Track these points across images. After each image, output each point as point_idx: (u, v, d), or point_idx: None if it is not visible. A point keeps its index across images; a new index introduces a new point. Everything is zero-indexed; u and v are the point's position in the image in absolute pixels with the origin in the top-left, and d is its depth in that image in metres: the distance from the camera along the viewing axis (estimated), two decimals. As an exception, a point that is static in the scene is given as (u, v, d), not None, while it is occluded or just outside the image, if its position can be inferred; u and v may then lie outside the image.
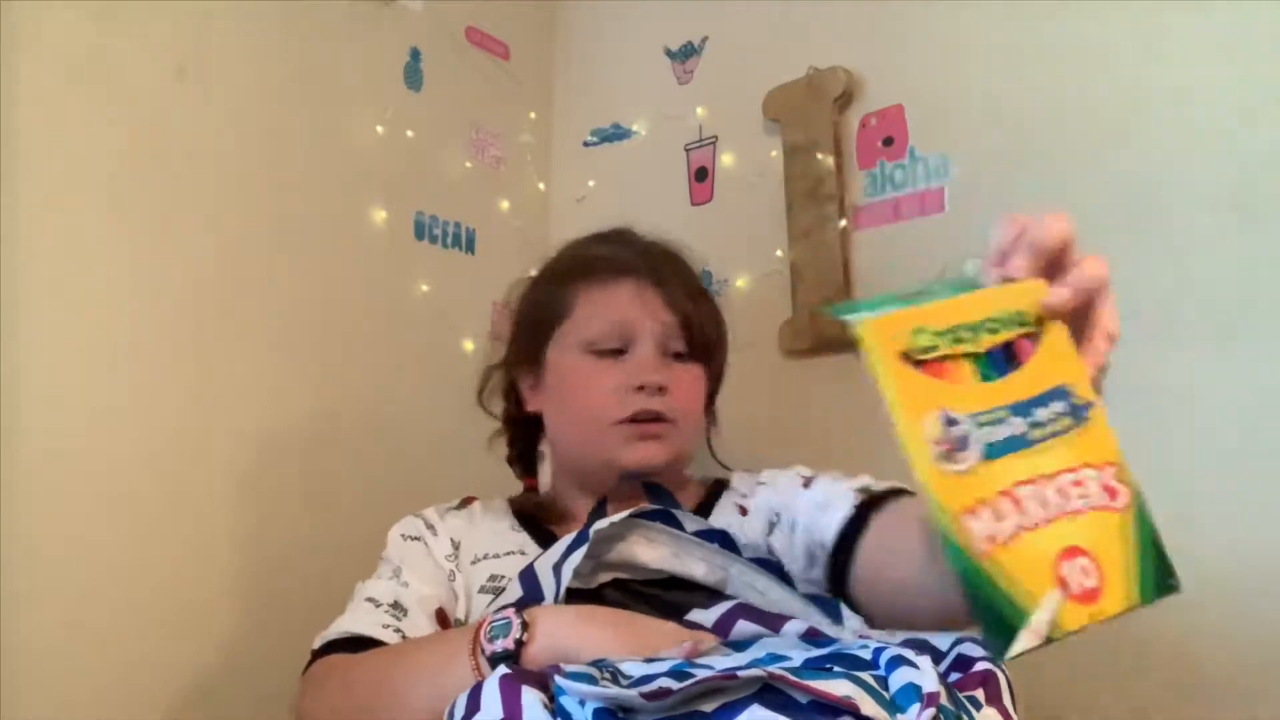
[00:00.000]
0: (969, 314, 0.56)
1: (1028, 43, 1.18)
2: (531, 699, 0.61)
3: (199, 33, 1.14)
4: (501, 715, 0.61)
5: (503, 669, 0.64)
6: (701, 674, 0.60)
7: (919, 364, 0.54)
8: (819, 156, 1.30)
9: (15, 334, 0.96)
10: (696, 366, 1.00)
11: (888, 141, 1.27)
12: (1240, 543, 1.00)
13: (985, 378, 0.55)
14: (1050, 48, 1.17)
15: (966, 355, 0.55)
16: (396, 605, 0.88)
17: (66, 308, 1.01)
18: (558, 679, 0.60)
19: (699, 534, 0.88)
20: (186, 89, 1.12)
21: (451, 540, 0.96)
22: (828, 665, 0.62)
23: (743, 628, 0.77)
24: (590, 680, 0.60)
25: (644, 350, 0.96)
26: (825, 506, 0.87)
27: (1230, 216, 1.04)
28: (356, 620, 0.87)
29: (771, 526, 0.92)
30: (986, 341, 0.56)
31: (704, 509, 0.98)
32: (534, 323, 1.03)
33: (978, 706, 0.62)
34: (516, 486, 1.08)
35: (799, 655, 0.64)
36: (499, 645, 0.73)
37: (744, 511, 0.97)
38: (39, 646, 0.95)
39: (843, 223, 1.28)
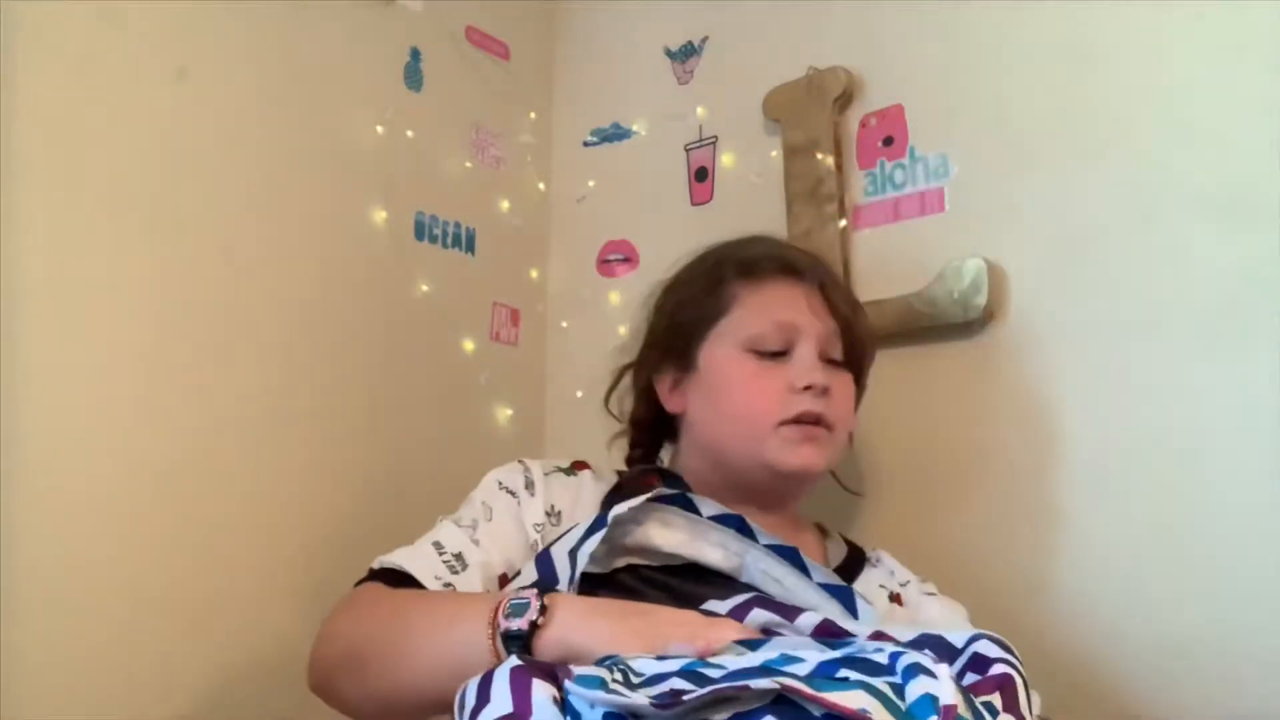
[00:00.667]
0: None
1: (1028, 43, 1.18)
2: (542, 696, 0.60)
3: (199, 33, 1.14)
4: (511, 709, 0.60)
5: (514, 660, 0.64)
6: (713, 674, 0.60)
7: None
8: (819, 156, 1.30)
9: (14, 334, 0.96)
10: (850, 376, 1.00)
11: (888, 141, 1.27)
12: (1240, 542, 1.00)
13: None
14: (1050, 47, 1.17)
15: None
16: (459, 558, 0.88)
17: (66, 308, 1.01)
18: (567, 684, 0.59)
19: (715, 519, 0.88)
20: (186, 89, 1.12)
21: (551, 507, 0.93)
22: (842, 672, 0.61)
23: (757, 616, 0.76)
24: (600, 684, 0.59)
25: (807, 352, 0.96)
26: None
27: (1229, 216, 1.04)
28: (413, 560, 0.88)
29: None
30: None
31: (846, 572, 0.97)
32: (685, 321, 1.01)
33: (994, 714, 0.61)
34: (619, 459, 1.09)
35: (813, 657, 0.64)
36: (514, 624, 0.73)
37: (899, 600, 0.97)
38: (40, 651, 0.95)
39: (843, 223, 1.28)
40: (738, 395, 0.96)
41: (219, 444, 1.11)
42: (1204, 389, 1.03)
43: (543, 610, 0.73)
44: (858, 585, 0.95)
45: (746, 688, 0.57)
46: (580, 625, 0.73)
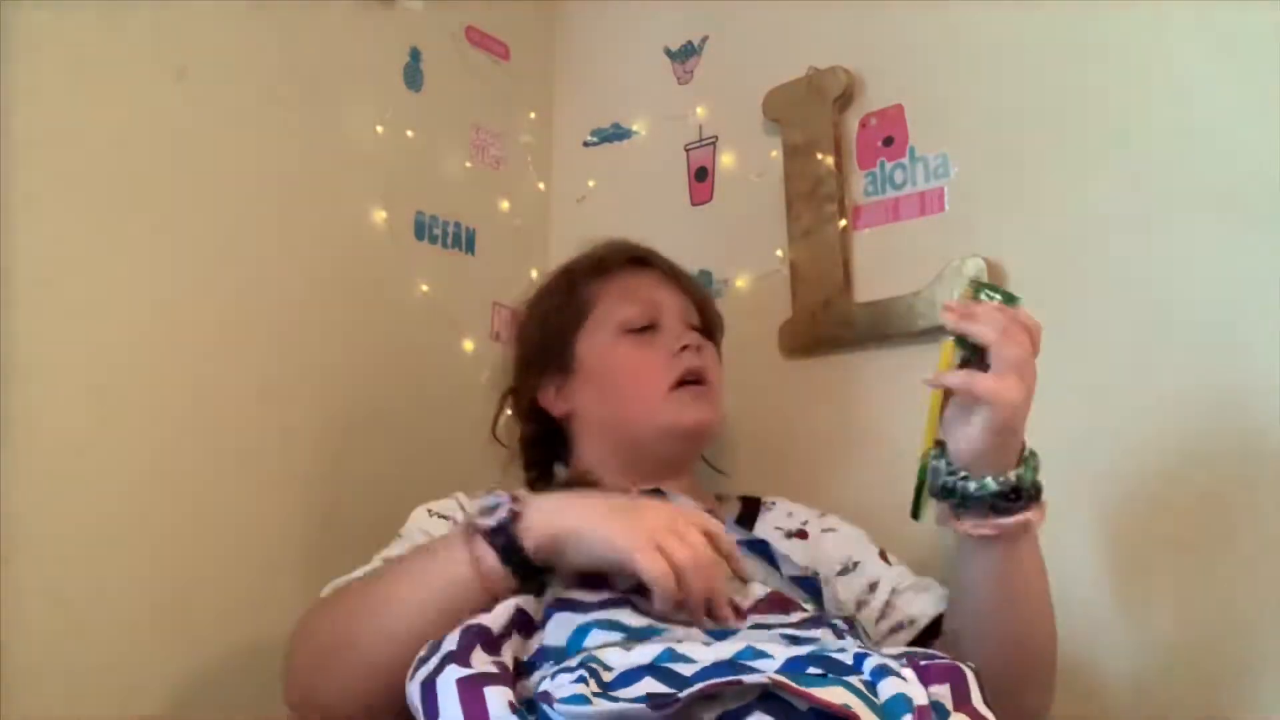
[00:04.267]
0: None
1: (1028, 43, 1.18)
2: (499, 704, 0.60)
3: (199, 33, 1.14)
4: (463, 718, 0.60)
5: (456, 670, 0.63)
6: (685, 671, 0.60)
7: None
8: (819, 156, 1.30)
9: (14, 334, 0.96)
10: (711, 343, 1.08)
11: (888, 141, 1.27)
12: (1242, 544, 1.00)
13: None
14: (1050, 47, 1.17)
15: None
16: None
17: (66, 308, 1.01)
18: (556, 706, 0.59)
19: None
20: (186, 89, 1.12)
21: None
22: (812, 670, 0.62)
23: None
24: (583, 700, 0.59)
25: (673, 320, 1.05)
26: (922, 590, 0.95)
27: (1230, 216, 1.04)
28: (370, 570, 0.88)
29: (845, 570, 0.98)
30: None
31: (744, 523, 1.03)
32: (554, 331, 1.07)
33: (945, 715, 0.61)
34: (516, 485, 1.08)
35: (780, 652, 0.64)
36: (494, 519, 0.74)
37: (805, 535, 1.01)
38: (39, 644, 0.95)
39: (843, 223, 1.28)
40: (625, 373, 1.02)
41: (219, 443, 1.11)
42: (1204, 389, 1.03)
43: (515, 500, 0.75)
44: (758, 531, 1.01)
45: (739, 682, 0.57)
46: (563, 507, 0.75)
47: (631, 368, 1.02)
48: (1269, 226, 1.02)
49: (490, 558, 0.74)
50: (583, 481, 1.02)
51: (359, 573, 0.88)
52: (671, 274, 1.10)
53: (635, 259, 1.10)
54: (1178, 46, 1.09)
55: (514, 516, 0.74)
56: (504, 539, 0.74)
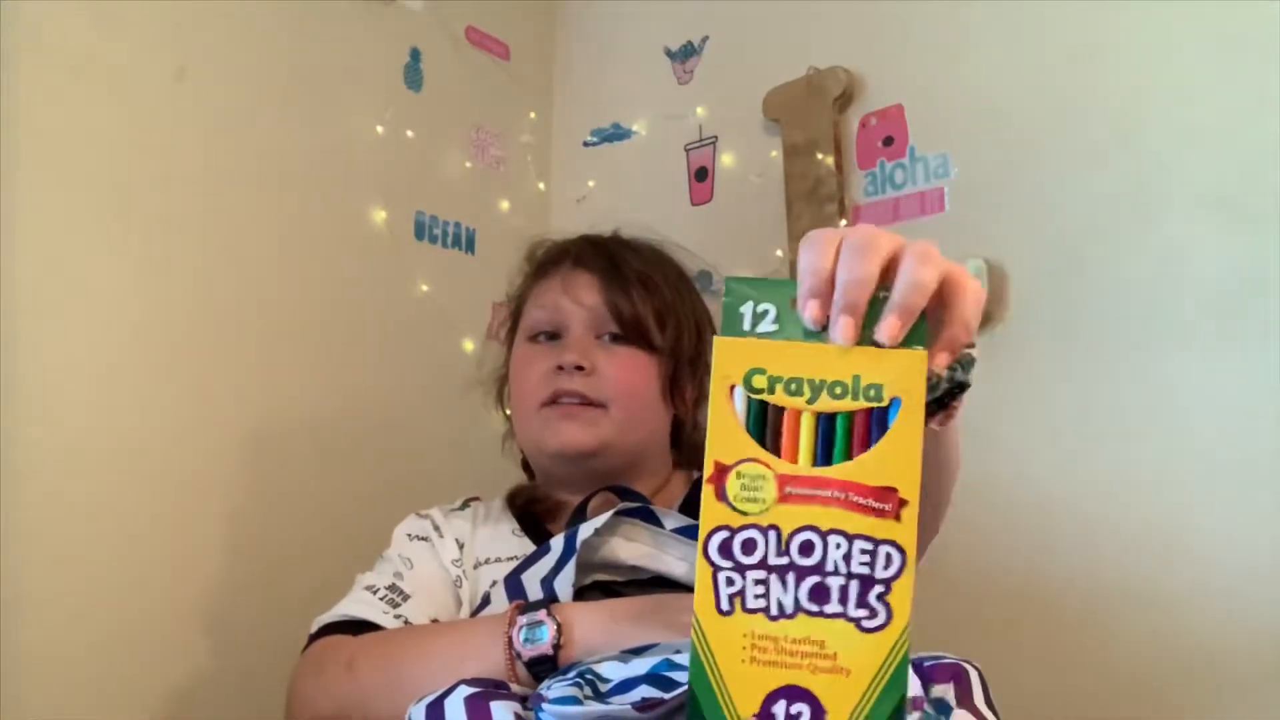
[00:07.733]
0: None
1: (1028, 43, 1.18)
2: (504, 715, 0.60)
3: (199, 33, 1.14)
4: None
5: (465, 688, 0.63)
6: (681, 678, 0.60)
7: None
8: (819, 156, 1.30)
9: (15, 334, 0.96)
10: (636, 350, 0.97)
11: (888, 141, 1.27)
12: (1235, 543, 1.00)
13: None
14: (1050, 48, 1.17)
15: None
16: (394, 589, 0.88)
17: (66, 308, 1.01)
18: (545, 707, 0.59)
19: (678, 530, 0.87)
20: (186, 89, 1.12)
21: (457, 541, 0.94)
22: None
23: None
24: (574, 701, 0.59)
25: (572, 333, 0.96)
26: None
27: (1229, 216, 1.04)
28: (356, 605, 0.86)
29: None
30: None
31: (687, 508, 0.94)
32: (509, 325, 1.07)
33: (947, 711, 0.62)
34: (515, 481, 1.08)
35: None
36: (536, 650, 0.73)
37: None
38: (39, 647, 0.95)
39: (843, 223, 1.28)
40: (515, 383, 0.99)
41: (219, 443, 1.11)
42: (1203, 389, 1.03)
43: (560, 629, 0.73)
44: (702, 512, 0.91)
45: None
46: (606, 632, 0.73)
47: (519, 378, 0.98)
48: (1268, 226, 1.02)
49: (527, 675, 0.73)
50: (534, 499, 0.99)
51: (347, 609, 0.86)
52: (594, 272, 0.98)
53: (559, 256, 1.02)
54: (1177, 46, 1.09)
55: (556, 650, 0.73)
56: (546, 668, 0.72)
